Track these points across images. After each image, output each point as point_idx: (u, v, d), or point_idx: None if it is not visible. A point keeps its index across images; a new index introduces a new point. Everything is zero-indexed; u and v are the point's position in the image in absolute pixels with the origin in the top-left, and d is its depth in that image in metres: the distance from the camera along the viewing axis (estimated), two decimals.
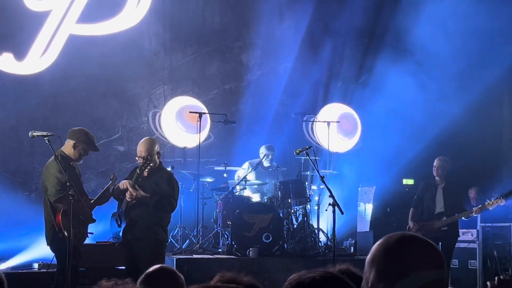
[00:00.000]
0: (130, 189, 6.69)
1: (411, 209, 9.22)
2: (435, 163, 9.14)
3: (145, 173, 6.75)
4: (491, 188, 10.92)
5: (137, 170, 6.77)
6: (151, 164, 6.74)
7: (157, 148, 6.94)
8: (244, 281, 2.52)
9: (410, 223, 9.10)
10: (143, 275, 3.00)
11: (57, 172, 6.70)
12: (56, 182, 6.69)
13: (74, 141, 6.90)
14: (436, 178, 9.13)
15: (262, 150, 10.69)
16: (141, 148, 6.85)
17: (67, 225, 6.55)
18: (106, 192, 7.09)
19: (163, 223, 6.93)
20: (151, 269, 3.05)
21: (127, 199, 6.74)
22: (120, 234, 6.84)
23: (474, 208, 8.79)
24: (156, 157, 6.89)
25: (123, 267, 8.59)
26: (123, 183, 6.82)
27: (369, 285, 1.94)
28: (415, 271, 1.91)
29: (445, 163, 9.12)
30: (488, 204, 8.73)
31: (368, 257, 2.00)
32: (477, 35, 11.93)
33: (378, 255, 1.97)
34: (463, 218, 8.88)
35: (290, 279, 2.26)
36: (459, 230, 10.06)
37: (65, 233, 6.55)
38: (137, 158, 6.91)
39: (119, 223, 6.89)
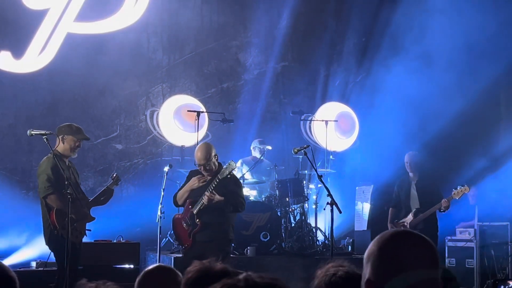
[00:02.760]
0: (208, 193, 6.86)
1: (390, 209, 9.15)
2: (406, 158, 9.08)
3: (216, 181, 6.93)
4: (489, 188, 10.94)
5: (211, 185, 6.91)
6: (218, 179, 6.90)
7: (214, 152, 7.04)
8: (216, 268, 2.53)
9: (388, 226, 9.03)
10: (141, 274, 3.00)
11: (49, 169, 6.75)
12: (46, 179, 6.73)
13: (60, 136, 6.94)
14: (410, 174, 9.07)
15: (255, 145, 10.72)
16: (198, 156, 7.00)
17: (61, 223, 6.56)
18: (106, 191, 7.13)
19: (232, 222, 7.14)
20: (149, 267, 3.05)
21: (204, 202, 6.88)
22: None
23: (442, 200, 8.68)
24: (215, 161, 7.02)
25: (121, 266, 8.63)
26: (195, 182, 7.02)
27: (365, 280, 1.96)
28: (407, 269, 1.92)
29: (415, 157, 9.05)
30: (454, 194, 8.63)
31: (365, 253, 2.03)
32: (476, 35, 11.94)
33: (373, 251, 1.99)
34: (440, 210, 8.75)
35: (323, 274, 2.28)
36: (457, 228, 10.07)
37: (60, 231, 6.57)
38: (196, 166, 7.13)
39: (186, 225, 7.09)
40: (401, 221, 8.92)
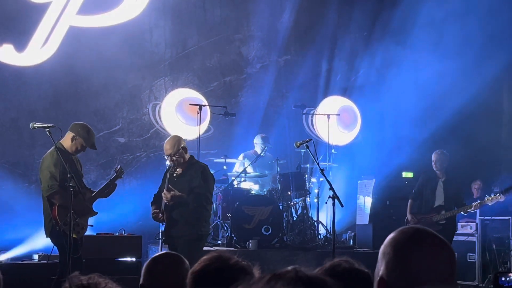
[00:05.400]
0: (164, 191, 6.82)
1: (410, 200, 9.25)
2: (433, 157, 9.19)
3: (176, 174, 6.87)
4: (491, 181, 10.96)
5: (167, 174, 6.88)
6: (178, 169, 6.87)
7: (182, 144, 6.99)
8: (231, 262, 2.55)
9: (408, 216, 9.16)
10: (149, 260, 3.10)
11: (52, 166, 6.72)
12: (49, 177, 6.70)
13: (73, 134, 6.91)
14: (437, 172, 9.16)
15: (258, 141, 10.73)
16: (166, 147, 6.97)
17: (63, 218, 6.58)
18: (109, 184, 7.12)
19: (205, 217, 7.04)
20: (157, 254, 3.16)
21: (164, 201, 6.86)
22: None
23: (473, 204, 8.85)
24: (183, 152, 6.95)
25: (123, 259, 8.66)
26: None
27: (378, 278, 1.95)
28: (421, 281, 1.87)
29: (443, 156, 9.16)
30: (487, 199, 8.80)
31: (381, 249, 1.98)
32: (478, 29, 11.93)
33: (388, 252, 1.94)
34: (461, 212, 8.95)
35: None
36: (459, 222, 10.11)
37: (62, 227, 6.59)
38: (165, 157, 7.09)
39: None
40: (423, 215, 9.03)
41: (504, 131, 12.87)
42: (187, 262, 3.04)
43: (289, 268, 1.64)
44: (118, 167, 7.25)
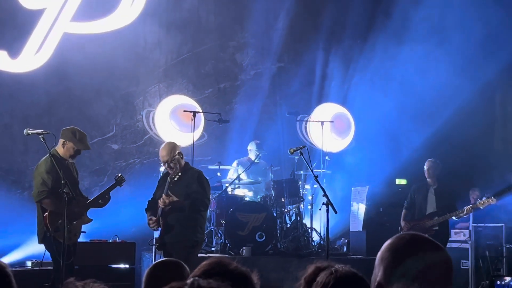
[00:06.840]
0: (163, 196, 6.82)
1: (403, 210, 9.36)
2: (426, 165, 9.29)
3: (177, 178, 6.88)
4: (485, 187, 10.97)
5: (168, 178, 6.89)
6: (180, 174, 6.88)
7: (178, 150, 7.04)
8: (231, 267, 2.55)
9: (402, 223, 9.27)
10: (150, 266, 3.15)
11: (44, 172, 6.72)
12: (40, 183, 6.71)
13: (63, 140, 6.93)
14: (428, 179, 9.24)
15: (251, 147, 10.74)
16: (162, 153, 7.01)
17: (54, 225, 6.57)
18: (106, 193, 7.12)
19: (200, 223, 7.06)
20: (158, 261, 3.23)
21: (161, 206, 6.86)
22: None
23: (465, 208, 8.87)
24: (179, 158, 6.99)
25: (117, 265, 8.63)
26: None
27: (376, 283, 1.95)
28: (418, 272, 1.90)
29: (435, 164, 9.27)
30: (479, 203, 8.82)
31: (378, 255, 1.99)
32: (471, 36, 11.98)
33: (387, 257, 1.96)
34: (454, 217, 8.99)
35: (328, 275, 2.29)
36: (452, 230, 10.14)
37: (52, 233, 6.58)
38: (161, 164, 7.16)
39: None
40: (416, 222, 9.13)
41: (496, 137, 12.91)
42: (187, 268, 3.06)
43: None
44: (119, 175, 7.24)
